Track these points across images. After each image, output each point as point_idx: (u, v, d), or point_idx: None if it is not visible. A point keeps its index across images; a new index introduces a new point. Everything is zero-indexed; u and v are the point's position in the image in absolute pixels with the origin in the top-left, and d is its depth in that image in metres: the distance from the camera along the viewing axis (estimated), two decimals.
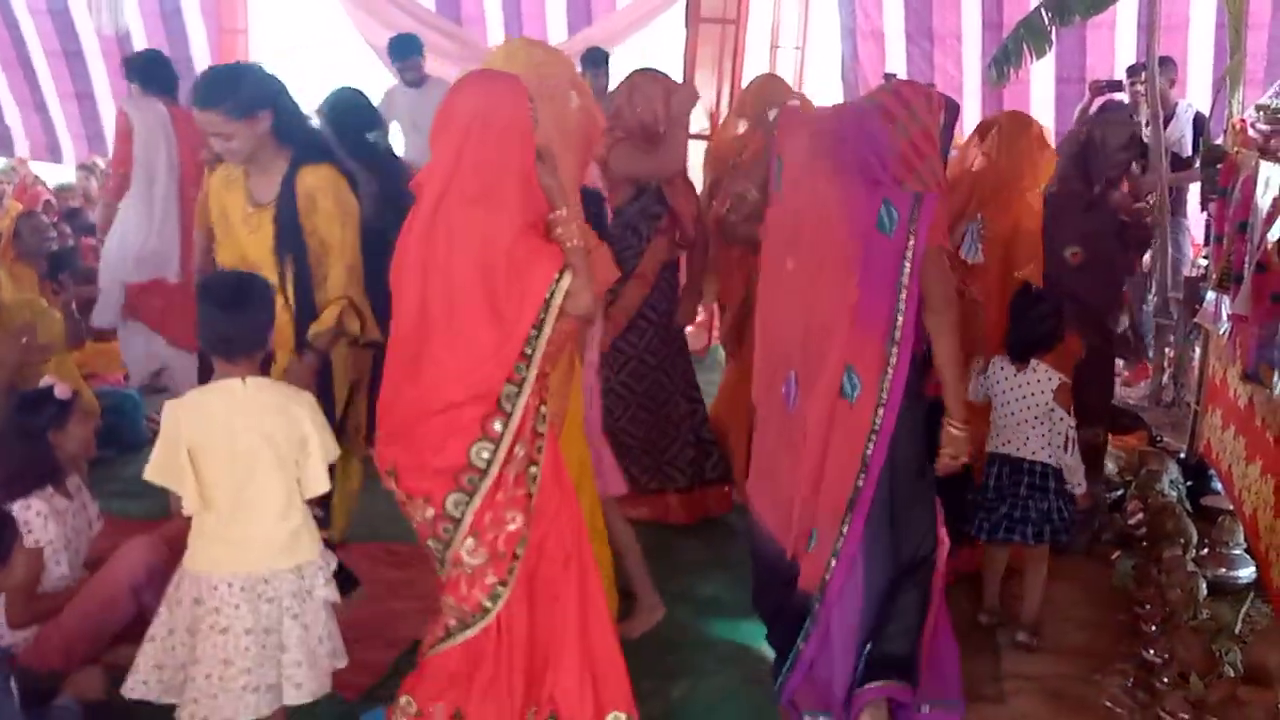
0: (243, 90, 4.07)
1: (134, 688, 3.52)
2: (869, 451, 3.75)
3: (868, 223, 3.73)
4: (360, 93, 5.42)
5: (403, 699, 3.46)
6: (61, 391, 4.28)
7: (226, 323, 3.46)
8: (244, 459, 3.42)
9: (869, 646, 3.87)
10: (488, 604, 3.36)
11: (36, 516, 4.10)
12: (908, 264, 3.71)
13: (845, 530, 3.79)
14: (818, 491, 3.85)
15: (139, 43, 13.28)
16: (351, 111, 5.21)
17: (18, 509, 4.04)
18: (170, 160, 6.74)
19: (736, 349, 6.02)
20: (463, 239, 3.24)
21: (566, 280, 3.21)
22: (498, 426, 3.27)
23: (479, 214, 3.23)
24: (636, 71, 5.62)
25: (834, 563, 3.82)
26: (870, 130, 3.86)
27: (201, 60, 13.43)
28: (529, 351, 3.25)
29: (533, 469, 3.38)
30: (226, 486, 3.43)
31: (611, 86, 6.65)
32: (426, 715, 3.41)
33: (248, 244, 4.28)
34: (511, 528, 3.34)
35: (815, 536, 3.87)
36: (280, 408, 3.46)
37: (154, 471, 3.46)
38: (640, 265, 5.43)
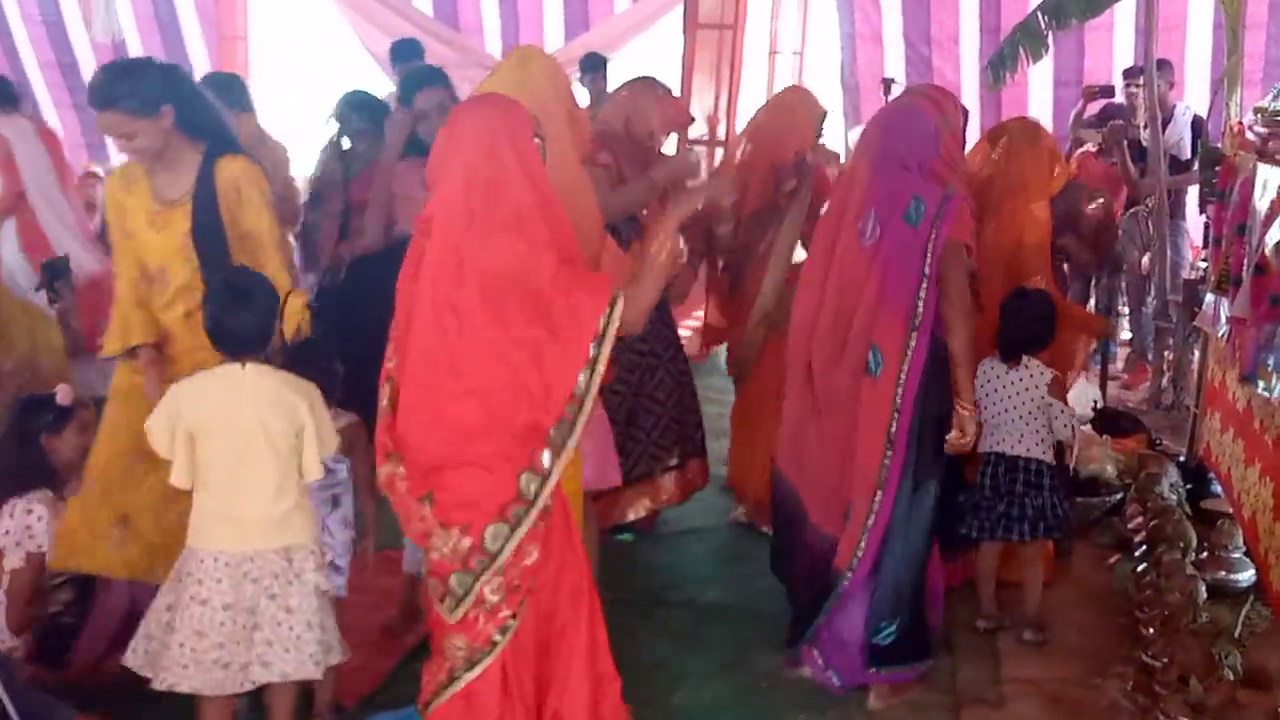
0: (142, 86, 3.93)
1: (128, 657, 3.59)
2: (893, 429, 4.03)
3: (897, 214, 4.09)
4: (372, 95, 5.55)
5: None
6: (63, 396, 4.28)
7: (230, 320, 3.54)
8: (240, 441, 3.48)
9: (894, 625, 4.17)
10: (497, 638, 3.24)
11: (38, 521, 4.10)
12: (929, 255, 4.05)
13: (876, 507, 4.05)
14: (850, 466, 4.11)
15: (134, 50, 13.27)
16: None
17: (19, 512, 4.05)
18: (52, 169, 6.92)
19: (745, 377, 5.83)
20: (493, 276, 3.13)
21: (618, 312, 3.12)
22: (546, 460, 3.17)
23: (505, 248, 3.13)
24: (634, 82, 5.57)
25: (864, 542, 4.08)
26: (912, 124, 4.29)
27: (200, 67, 13.43)
28: (579, 393, 3.15)
29: (549, 502, 3.26)
30: (222, 467, 3.49)
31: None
32: None
33: (152, 244, 4.13)
34: (528, 561, 3.23)
35: (851, 512, 4.12)
36: (278, 394, 3.52)
37: (152, 435, 3.54)
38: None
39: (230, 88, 6.35)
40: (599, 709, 3.48)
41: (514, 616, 3.25)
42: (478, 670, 3.24)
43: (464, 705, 3.27)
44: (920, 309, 4.06)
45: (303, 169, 6.68)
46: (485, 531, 3.15)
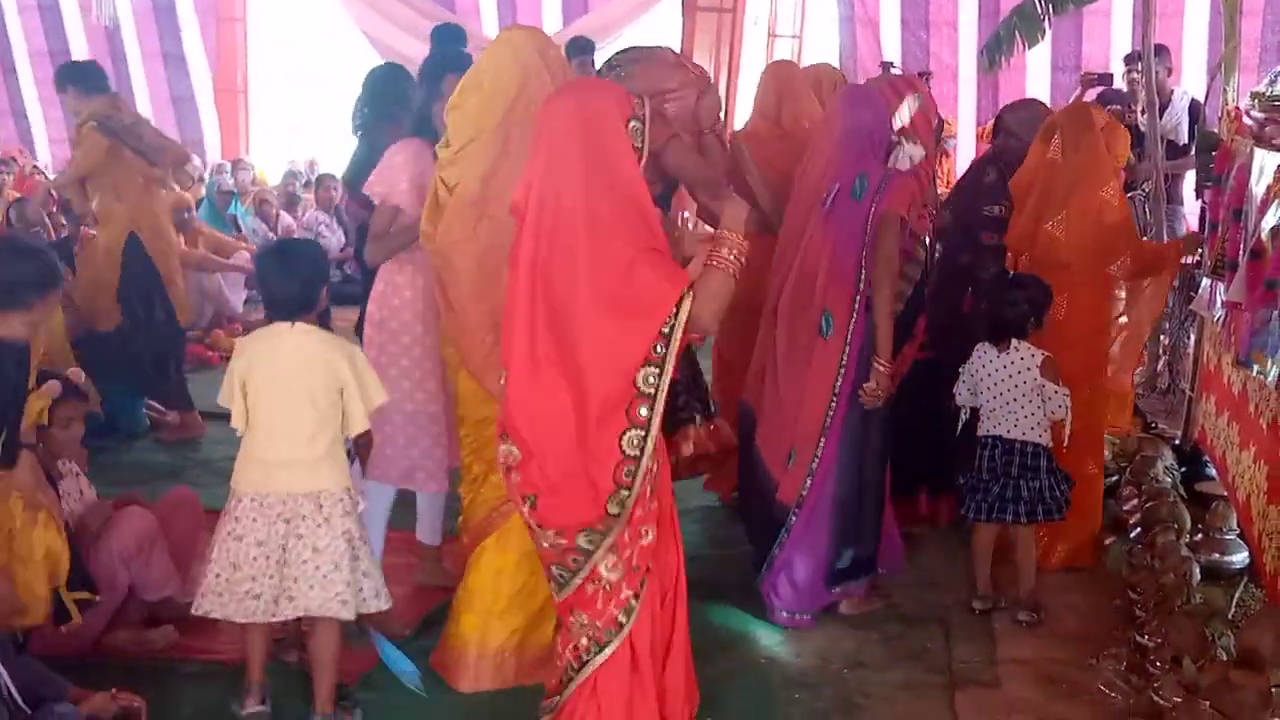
0: None
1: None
2: (838, 384, 4.50)
3: (845, 188, 4.50)
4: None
5: None
6: (49, 389, 4.21)
7: (275, 283, 3.87)
8: (280, 392, 3.80)
9: (847, 551, 4.64)
10: (622, 619, 3.32)
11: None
12: (869, 228, 4.46)
13: (819, 452, 4.53)
14: (797, 417, 4.56)
15: (129, 36, 13.27)
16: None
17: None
18: None
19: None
20: (582, 263, 3.14)
21: (686, 308, 3.11)
22: (628, 474, 3.21)
23: (588, 235, 3.13)
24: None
25: (809, 481, 4.56)
26: (869, 106, 4.65)
27: (195, 53, 13.41)
28: (650, 391, 3.16)
29: (657, 479, 3.34)
30: (264, 415, 3.82)
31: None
32: None
33: None
34: (645, 541, 3.31)
35: (794, 455, 4.59)
36: (319, 352, 3.81)
37: (222, 396, 3.89)
38: None
39: (85, 74, 7.03)
40: (691, 678, 3.63)
41: (636, 597, 3.32)
42: (606, 653, 3.33)
43: (591, 693, 3.36)
44: (863, 278, 4.48)
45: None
46: (578, 537, 3.26)
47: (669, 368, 3.16)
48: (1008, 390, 4.72)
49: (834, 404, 4.51)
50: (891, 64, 9.87)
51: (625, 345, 3.15)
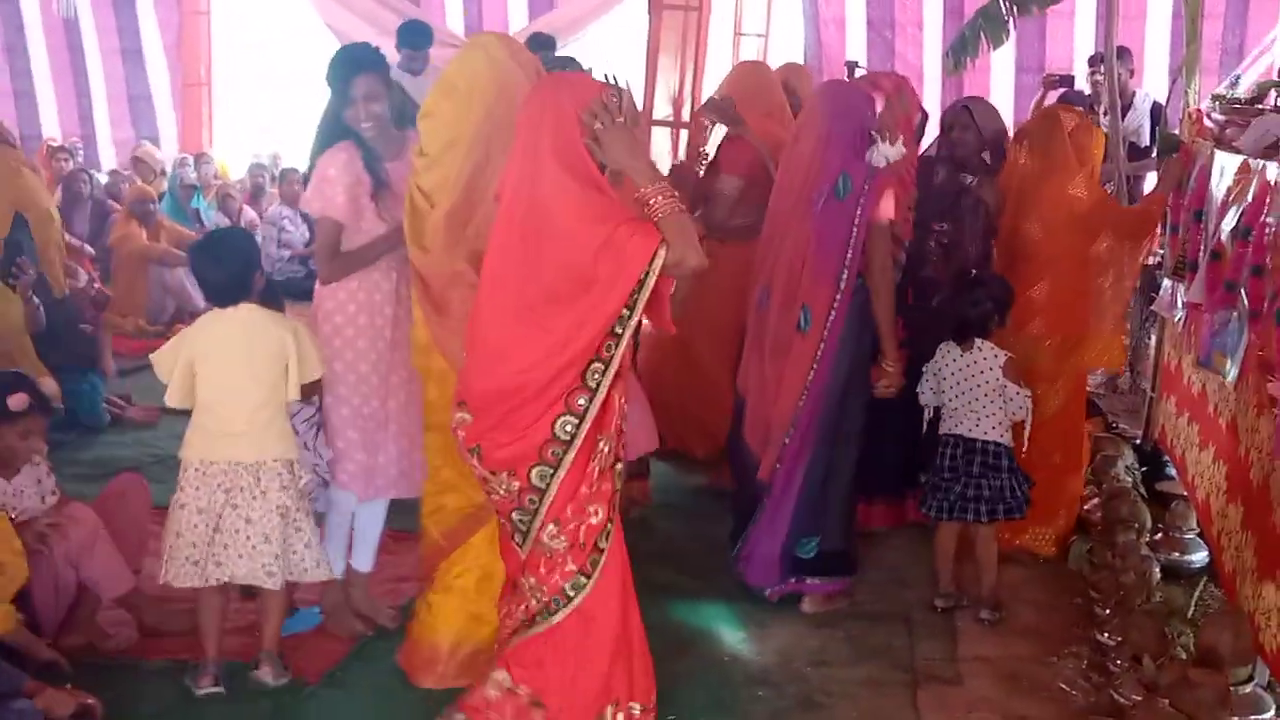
0: None
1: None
2: (810, 378, 4.62)
3: (828, 188, 4.54)
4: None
5: (500, 673, 3.54)
6: (16, 403, 4.19)
7: (211, 274, 4.10)
8: (227, 367, 4.01)
9: (815, 541, 4.78)
10: (570, 592, 3.42)
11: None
12: (855, 228, 4.54)
13: (788, 440, 4.68)
14: (774, 404, 4.72)
15: (88, 30, 13.14)
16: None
17: None
18: None
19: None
20: (536, 241, 3.26)
21: (661, 258, 3.18)
22: (582, 402, 3.30)
23: (549, 217, 3.25)
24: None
25: (779, 466, 4.73)
26: (851, 105, 4.70)
27: (154, 47, 13.30)
28: (619, 330, 3.27)
29: (619, 465, 3.45)
30: (213, 389, 4.01)
31: None
32: (514, 695, 3.50)
33: None
34: (594, 520, 3.40)
35: (770, 439, 4.75)
36: (263, 329, 4.04)
37: (161, 372, 4.07)
38: None
39: None
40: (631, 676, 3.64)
41: (586, 575, 3.42)
42: (554, 620, 3.44)
43: (543, 642, 3.48)
44: (844, 277, 4.58)
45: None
46: (531, 473, 3.34)
47: (639, 309, 3.25)
48: (970, 389, 4.75)
49: (804, 397, 4.63)
50: (856, 63, 9.89)
51: (601, 309, 3.24)
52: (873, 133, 4.63)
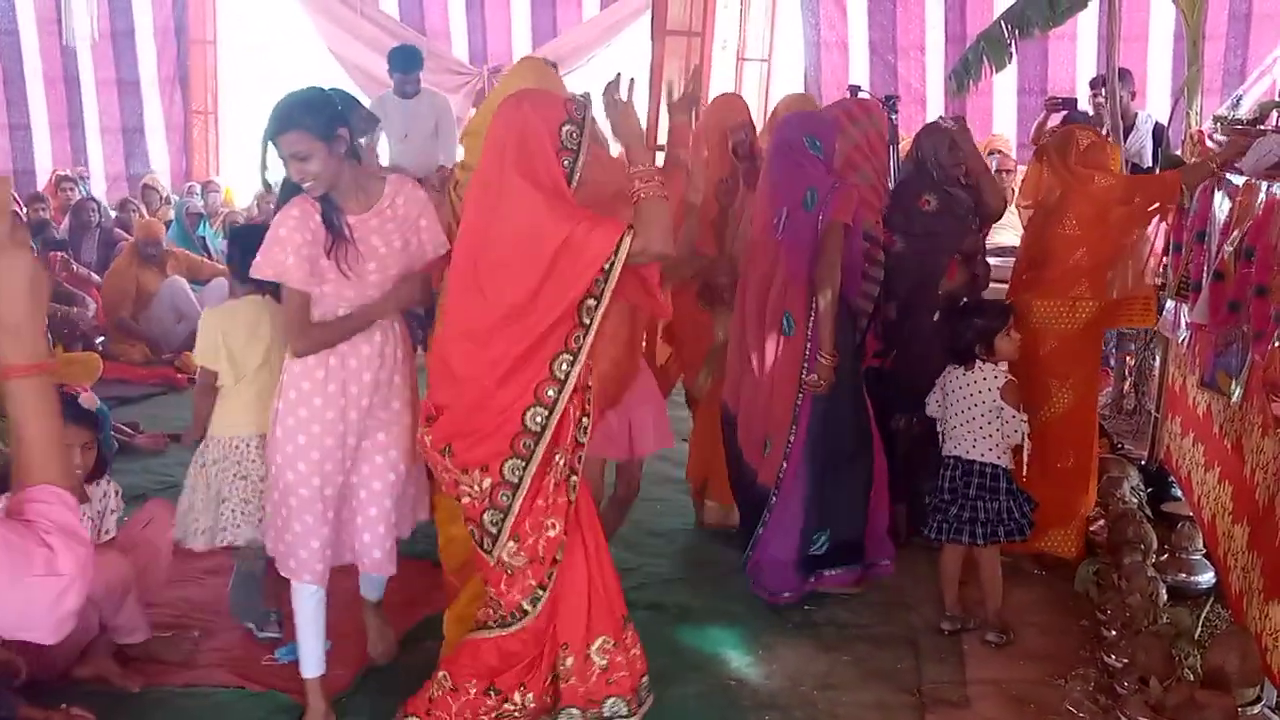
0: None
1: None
2: (805, 375, 4.86)
3: (796, 202, 4.87)
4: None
5: (440, 674, 3.60)
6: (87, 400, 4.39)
7: (240, 262, 4.40)
8: (251, 347, 4.44)
9: (826, 534, 4.98)
10: (527, 607, 3.48)
11: None
12: (819, 231, 4.81)
13: (791, 438, 4.92)
14: (770, 408, 4.96)
15: (85, 64, 13.22)
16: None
17: None
18: None
19: (702, 397, 5.87)
20: (513, 226, 3.32)
21: (626, 246, 3.25)
22: (551, 393, 3.36)
23: (524, 205, 3.30)
24: None
25: (785, 464, 4.94)
26: (816, 129, 5.00)
27: (149, 80, 13.36)
28: (586, 321, 3.33)
29: (574, 478, 3.49)
30: (239, 366, 4.45)
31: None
32: (462, 690, 3.54)
33: None
34: (551, 534, 3.46)
35: (769, 444, 4.99)
36: (274, 315, 4.37)
37: (204, 358, 4.54)
38: None
39: None
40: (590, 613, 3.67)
41: (543, 588, 3.46)
42: (508, 631, 3.50)
43: (495, 648, 3.54)
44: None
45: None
46: (504, 467, 3.39)
47: (605, 299, 3.31)
48: (968, 409, 4.76)
49: (801, 395, 4.89)
50: (859, 87, 9.91)
51: (565, 295, 3.30)
52: None
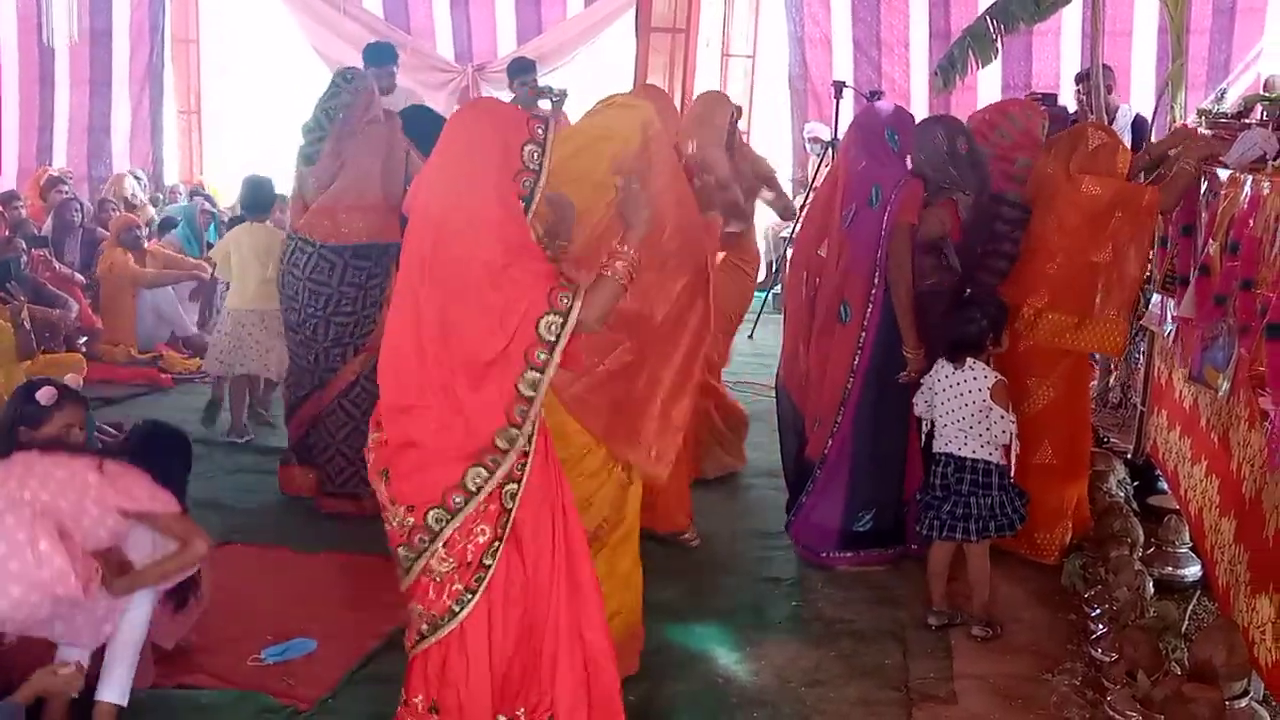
0: None
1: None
2: (856, 362, 5.23)
3: (862, 198, 5.22)
4: None
5: (402, 690, 3.57)
6: (45, 397, 4.17)
7: (248, 197, 7.62)
8: (252, 251, 7.10)
9: (871, 513, 5.37)
10: (455, 608, 3.40)
11: None
12: (885, 230, 5.10)
13: (839, 419, 5.30)
14: (822, 388, 5.37)
15: (61, 66, 13.14)
16: None
17: None
18: None
19: None
20: (453, 268, 3.25)
21: (575, 310, 3.22)
22: (491, 461, 3.29)
23: (467, 234, 3.24)
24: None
25: (830, 442, 5.34)
26: (871, 126, 5.38)
27: (121, 79, 13.29)
28: (529, 394, 3.28)
29: (510, 486, 3.37)
30: (244, 264, 7.16)
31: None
32: (411, 705, 3.51)
33: None
34: (480, 539, 3.37)
35: (819, 421, 5.41)
36: (269, 234, 7.23)
37: (218, 258, 7.49)
38: None
39: None
40: (590, 691, 3.62)
41: (471, 591, 3.38)
42: (439, 635, 3.42)
43: (435, 652, 3.46)
44: (877, 275, 5.17)
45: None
46: (428, 514, 3.32)
47: (550, 370, 3.26)
48: (959, 408, 4.75)
49: (851, 379, 5.25)
50: (844, 83, 9.93)
51: (500, 338, 3.24)
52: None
